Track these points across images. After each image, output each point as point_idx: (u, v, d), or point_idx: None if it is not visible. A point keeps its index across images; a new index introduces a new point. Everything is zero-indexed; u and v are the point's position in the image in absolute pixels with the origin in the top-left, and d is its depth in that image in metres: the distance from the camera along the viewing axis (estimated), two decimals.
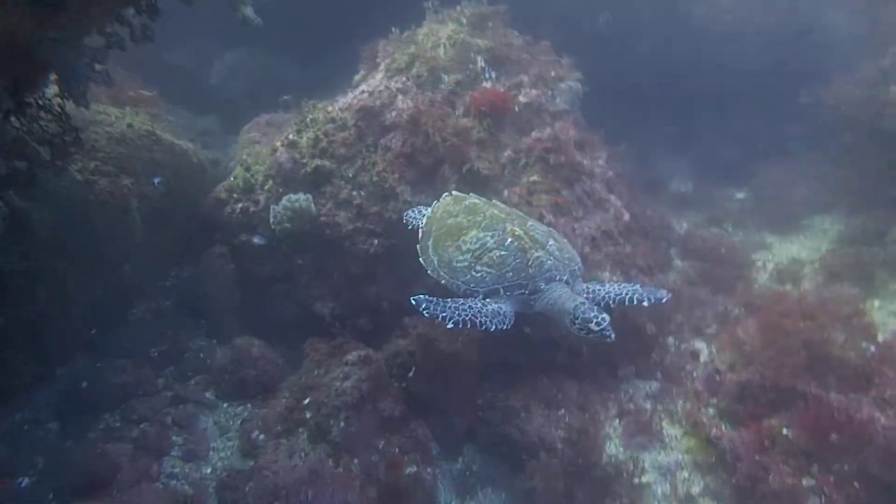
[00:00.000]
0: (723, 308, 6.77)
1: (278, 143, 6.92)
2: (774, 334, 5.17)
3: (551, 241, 5.12)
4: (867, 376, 4.91)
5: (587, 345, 5.68)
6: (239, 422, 5.66)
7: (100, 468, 4.66)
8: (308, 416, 5.28)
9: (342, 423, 5.11)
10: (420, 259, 5.38)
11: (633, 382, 6.05)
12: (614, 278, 6.15)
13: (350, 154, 6.66)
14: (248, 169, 6.94)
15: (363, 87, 7.17)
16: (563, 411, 5.69)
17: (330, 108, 6.96)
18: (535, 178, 6.45)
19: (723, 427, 5.24)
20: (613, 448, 5.52)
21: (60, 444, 4.86)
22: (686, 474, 5.23)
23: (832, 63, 9.07)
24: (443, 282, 5.13)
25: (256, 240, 6.68)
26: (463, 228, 5.22)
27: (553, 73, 7.35)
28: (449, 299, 4.71)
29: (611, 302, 5.05)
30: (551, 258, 4.94)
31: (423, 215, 5.79)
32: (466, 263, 5.01)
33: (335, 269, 6.54)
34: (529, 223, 5.28)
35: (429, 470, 5.20)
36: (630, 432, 5.61)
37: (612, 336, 4.49)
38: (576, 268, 5.14)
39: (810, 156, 9.32)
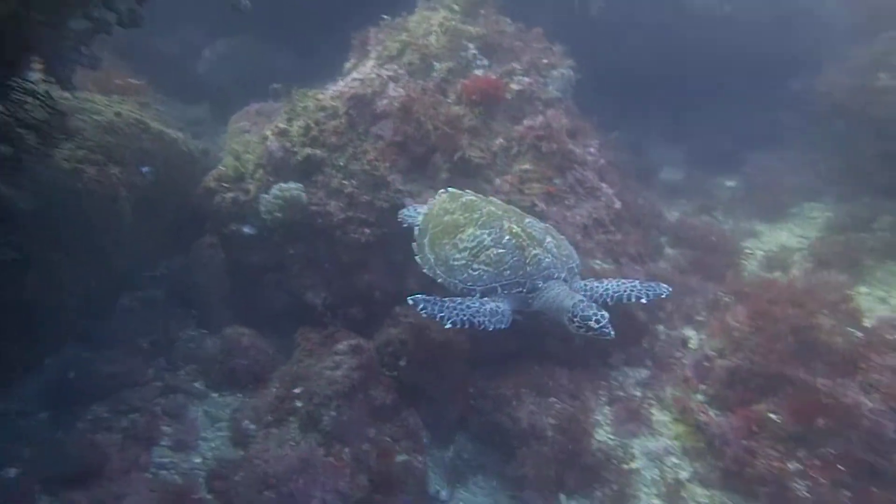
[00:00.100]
0: (713, 296, 6.80)
1: (268, 132, 6.86)
2: (763, 321, 5.20)
3: (549, 238, 5.08)
4: (854, 361, 4.95)
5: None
6: (229, 411, 5.65)
7: (89, 458, 4.64)
8: (299, 405, 5.27)
9: (333, 412, 5.11)
10: (416, 257, 5.34)
11: (623, 370, 6.09)
12: (605, 266, 6.18)
13: (341, 142, 6.62)
14: (237, 158, 6.88)
15: (354, 74, 7.12)
16: (553, 399, 5.72)
17: (321, 97, 6.91)
18: (527, 166, 6.44)
19: (711, 413, 5.28)
20: (603, 435, 5.56)
21: (49, 434, 4.85)
22: (675, 460, 5.27)
23: (824, 51, 9.11)
24: (439, 280, 5.09)
25: (247, 229, 6.64)
26: (460, 226, 5.16)
27: (545, 61, 7.32)
28: (447, 298, 4.67)
29: (608, 300, 5.00)
30: (549, 255, 4.90)
31: (419, 213, 5.74)
32: (463, 261, 4.96)
33: (326, 258, 6.52)
34: (527, 220, 5.25)
35: (420, 458, 5.21)
36: (620, 419, 5.65)
37: (612, 333, 4.47)
38: (573, 265, 5.10)
39: (800, 144, 9.37)
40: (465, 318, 4.51)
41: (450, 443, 5.67)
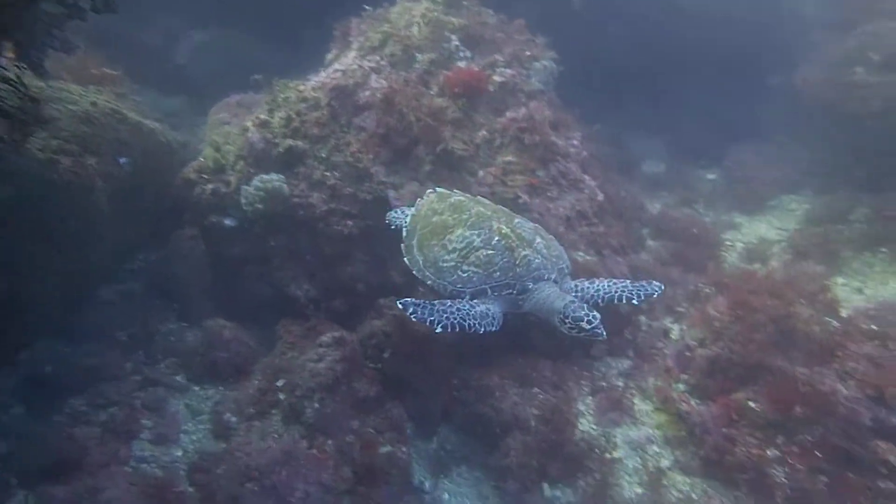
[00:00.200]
0: (694, 287, 6.88)
1: (249, 123, 6.78)
2: (743, 310, 5.26)
3: (538, 239, 5.05)
4: (831, 350, 5.04)
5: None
6: (211, 404, 5.60)
7: (67, 452, 4.56)
8: (282, 397, 5.24)
9: (316, 405, 5.09)
10: (405, 259, 5.28)
11: (605, 361, 6.12)
12: (588, 258, 6.21)
13: (323, 134, 6.56)
14: (218, 149, 6.80)
15: (336, 65, 7.06)
16: (537, 390, 5.75)
17: (302, 88, 6.84)
18: (510, 158, 6.44)
19: (692, 402, 5.34)
20: (586, 425, 5.60)
21: (25, 428, 4.75)
22: (656, 448, 5.33)
23: (803, 45, 9.21)
24: (429, 282, 5.05)
25: (228, 221, 6.56)
26: (448, 227, 5.12)
27: (528, 53, 7.31)
28: (436, 301, 4.64)
29: (599, 300, 4.99)
30: (539, 256, 4.87)
31: (407, 215, 5.69)
32: (453, 263, 4.92)
33: (309, 250, 6.47)
34: (516, 220, 5.21)
35: (404, 449, 5.21)
36: (602, 409, 5.69)
37: (604, 334, 4.46)
38: (564, 266, 5.08)
39: (779, 137, 9.49)
40: (455, 322, 4.47)
41: (434, 434, 5.66)
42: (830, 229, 7.54)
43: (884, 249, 7.06)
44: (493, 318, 4.63)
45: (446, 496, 5.25)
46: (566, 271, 5.10)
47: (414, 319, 4.47)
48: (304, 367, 5.29)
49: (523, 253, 4.82)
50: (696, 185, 9.82)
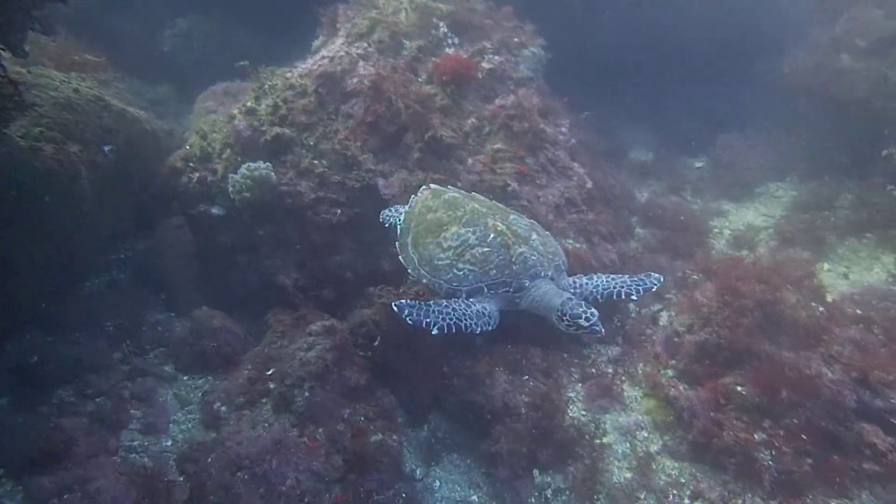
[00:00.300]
0: (682, 274, 6.92)
1: (236, 111, 6.72)
2: (730, 296, 5.30)
3: (534, 235, 5.00)
4: (817, 335, 5.09)
5: None
6: (200, 394, 5.57)
7: (53, 442, 4.52)
8: (272, 386, 5.22)
9: (307, 393, 5.07)
10: (399, 257, 5.23)
11: (595, 347, 6.15)
12: (578, 245, 6.22)
13: (311, 121, 6.51)
14: (204, 137, 6.73)
15: (323, 52, 7.00)
16: (527, 377, 5.77)
17: (289, 75, 6.77)
18: (498, 145, 6.42)
19: (681, 387, 5.38)
20: (576, 411, 5.62)
21: (11, 419, 4.70)
22: (645, 434, 5.36)
23: (789, 32, 9.25)
24: (424, 281, 5.00)
25: (215, 210, 6.51)
26: (443, 224, 5.05)
27: (516, 40, 7.28)
28: (431, 302, 4.59)
29: (598, 297, 4.95)
30: (535, 253, 4.83)
31: (400, 213, 5.62)
32: (448, 261, 4.87)
33: (298, 239, 6.44)
34: (511, 217, 5.16)
35: (394, 437, 5.21)
36: (592, 395, 5.72)
37: (602, 331, 4.43)
38: (560, 262, 5.02)
39: (766, 125, 9.55)
40: (451, 323, 4.43)
41: (424, 422, 5.68)
42: (816, 216, 7.62)
43: (868, 235, 7.14)
44: (490, 317, 4.59)
45: (437, 483, 5.26)
46: (563, 268, 5.05)
47: (409, 322, 4.40)
48: (294, 355, 5.26)
49: (519, 250, 4.77)
50: (684, 172, 9.86)
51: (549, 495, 5.03)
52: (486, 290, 4.76)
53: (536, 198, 6.28)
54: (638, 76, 10.08)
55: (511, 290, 4.75)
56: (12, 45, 3.78)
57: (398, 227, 5.46)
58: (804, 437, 4.63)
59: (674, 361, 5.66)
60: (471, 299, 4.74)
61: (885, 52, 7.71)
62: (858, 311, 5.48)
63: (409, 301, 4.56)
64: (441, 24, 7.07)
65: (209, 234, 6.54)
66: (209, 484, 4.46)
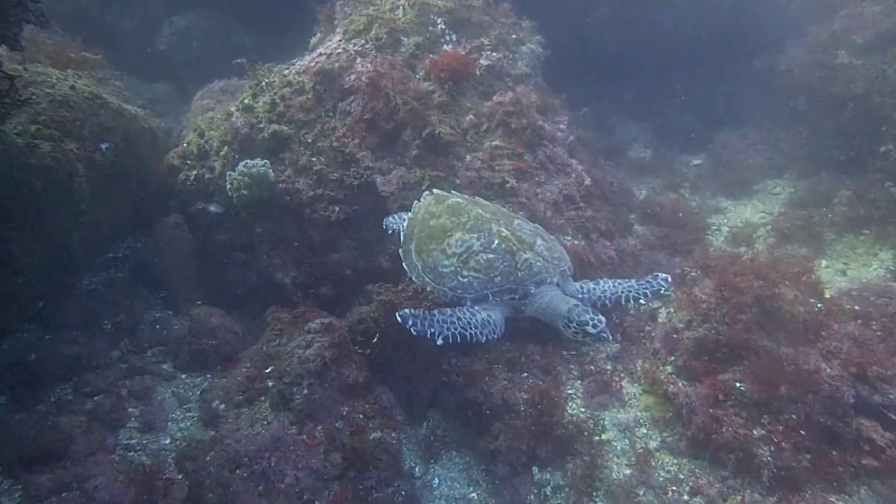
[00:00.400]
0: (680, 270, 6.92)
1: (233, 108, 6.71)
2: (729, 292, 5.29)
3: (539, 241, 4.90)
4: (815, 330, 5.10)
5: None
6: (198, 392, 5.56)
7: (51, 440, 4.51)
8: (270, 384, 5.21)
9: (305, 391, 5.06)
10: (403, 264, 5.15)
11: (594, 344, 6.14)
12: (576, 242, 6.22)
13: (308, 119, 6.51)
14: (201, 135, 6.71)
15: (320, 49, 6.98)
16: (526, 374, 5.77)
17: (286, 72, 6.77)
18: (497, 142, 6.41)
19: (680, 383, 5.38)
20: (575, 408, 5.62)
21: (9, 417, 4.68)
22: (644, 430, 5.36)
23: (787, 29, 9.25)
24: (428, 288, 4.91)
25: (213, 208, 6.50)
26: (447, 230, 4.95)
27: (514, 36, 7.27)
28: (436, 311, 4.51)
29: (607, 301, 4.86)
30: (541, 259, 4.72)
31: (404, 219, 5.54)
32: (452, 268, 4.76)
33: (296, 236, 6.43)
34: (516, 222, 5.06)
35: (393, 435, 5.20)
36: (591, 392, 5.71)
37: (611, 338, 4.36)
38: (565, 267, 4.94)
39: (764, 122, 9.55)
40: (456, 332, 4.35)
41: (423, 420, 5.67)
42: (814, 212, 7.62)
43: (866, 231, 7.15)
44: (495, 326, 4.51)
45: (436, 481, 5.26)
46: (568, 273, 4.96)
47: (414, 333, 4.32)
48: (293, 353, 5.25)
49: (524, 256, 4.67)
50: (682, 169, 9.86)
51: (548, 492, 5.03)
52: (491, 297, 4.66)
53: (535, 195, 6.28)
54: (637, 74, 10.09)
55: (517, 297, 4.66)
56: (8, 38, 3.75)
57: (401, 233, 5.37)
58: (803, 432, 4.63)
59: (673, 358, 5.65)
60: (476, 307, 4.64)
61: (884, 49, 7.70)
62: (856, 307, 5.49)
63: (412, 311, 4.47)
64: (439, 20, 7.06)
65: (207, 231, 6.52)
66: (208, 482, 4.46)
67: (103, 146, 5.79)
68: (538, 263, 4.68)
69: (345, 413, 5.12)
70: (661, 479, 4.92)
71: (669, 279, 4.94)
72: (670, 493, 4.81)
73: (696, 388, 5.19)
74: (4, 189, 4.70)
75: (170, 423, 5.25)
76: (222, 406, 5.21)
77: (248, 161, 6.10)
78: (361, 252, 6.41)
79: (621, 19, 9.75)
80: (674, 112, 10.46)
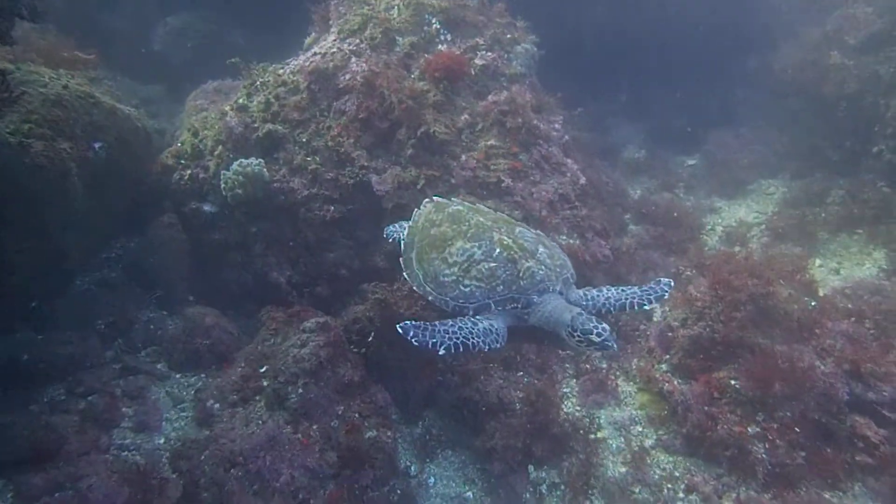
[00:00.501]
0: (675, 270, 6.96)
1: (227, 108, 6.69)
2: (723, 290, 5.32)
3: (541, 248, 4.83)
4: (809, 328, 5.13)
5: None
6: (193, 392, 5.53)
7: (44, 440, 4.46)
8: (265, 383, 5.19)
9: (300, 390, 5.04)
10: (404, 274, 5.10)
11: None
12: (571, 241, 6.23)
13: (303, 118, 6.49)
14: (195, 134, 6.69)
15: (315, 49, 6.97)
16: (521, 373, 5.79)
17: (281, 71, 6.75)
18: (492, 141, 6.42)
19: (675, 381, 5.40)
20: (570, 406, 5.64)
21: (1, 416, 4.64)
22: (640, 428, 5.39)
23: (781, 29, 9.30)
24: (430, 298, 4.85)
25: (207, 207, 6.47)
26: (448, 239, 4.89)
27: (509, 36, 7.27)
28: (437, 322, 4.46)
29: (611, 308, 4.80)
30: (543, 268, 4.65)
31: (404, 227, 5.48)
32: (454, 277, 4.69)
33: (291, 236, 6.41)
34: (517, 229, 5.00)
35: (389, 434, 5.18)
36: (586, 391, 5.74)
37: (615, 346, 4.30)
38: (568, 275, 4.87)
39: (758, 122, 9.60)
40: (458, 342, 4.29)
41: (419, 419, 5.67)
42: (808, 212, 7.67)
43: (859, 231, 7.19)
44: (498, 335, 4.45)
45: (432, 480, 5.25)
46: (571, 280, 4.89)
47: (415, 343, 4.27)
48: (288, 352, 5.24)
49: (526, 265, 4.60)
50: (676, 170, 9.91)
51: (543, 490, 5.04)
52: (493, 306, 4.60)
53: (530, 194, 6.28)
54: (631, 75, 10.13)
55: (519, 305, 4.60)
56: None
57: (402, 242, 5.31)
58: (797, 429, 4.66)
59: (668, 356, 5.68)
60: (477, 316, 4.58)
61: (876, 50, 7.75)
62: (850, 305, 5.52)
63: (413, 322, 4.40)
64: (434, 20, 7.05)
65: (201, 231, 6.50)
66: (203, 481, 4.43)
67: (96, 145, 5.76)
68: (540, 272, 4.62)
69: (340, 412, 5.11)
70: (657, 476, 4.94)
71: (672, 284, 4.86)
72: (665, 490, 4.83)
73: (692, 385, 5.22)
74: None
75: (164, 423, 5.22)
76: (217, 405, 5.19)
77: (243, 160, 6.08)
78: (356, 251, 6.40)
79: (615, 20, 9.78)
80: (668, 113, 10.50)
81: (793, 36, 8.87)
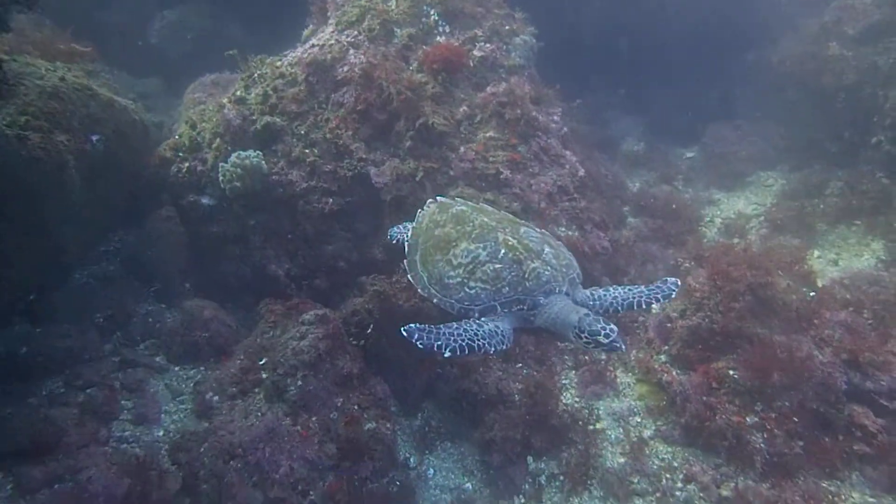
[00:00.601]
0: (674, 262, 6.96)
1: (225, 100, 6.66)
2: (722, 280, 5.32)
3: (546, 248, 4.76)
4: (808, 318, 5.13)
5: None
6: (192, 384, 5.54)
7: (43, 433, 4.46)
8: (264, 376, 5.19)
9: (299, 382, 5.04)
10: (408, 276, 5.04)
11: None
12: (570, 233, 6.22)
13: (301, 110, 6.47)
14: (193, 127, 6.67)
15: (313, 41, 6.94)
16: (520, 365, 5.80)
17: (278, 63, 6.73)
18: (490, 133, 6.40)
19: (674, 372, 5.41)
20: (569, 398, 5.65)
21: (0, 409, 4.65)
22: (638, 419, 5.40)
23: (779, 22, 9.29)
24: (435, 300, 4.79)
25: (205, 200, 6.45)
26: (452, 240, 4.82)
27: (507, 27, 7.24)
28: (442, 325, 4.40)
29: (619, 308, 4.74)
30: (549, 268, 4.57)
31: (408, 229, 5.42)
32: (459, 279, 4.63)
33: (289, 228, 6.40)
34: (522, 229, 4.93)
35: (388, 426, 5.19)
36: (585, 382, 5.75)
37: (623, 347, 4.25)
38: (574, 275, 4.80)
39: (757, 114, 9.59)
40: (463, 344, 4.23)
41: (418, 410, 5.68)
42: (806, 203, 7.68)
43: (858, 222, 7.20)
44: (503, 336, 4.39)
45: (431, 471, 5.27)
46: (577, 281, 4.81)
47: (420, 347, 4.21)
48: (287, 345, 5.23)
49: (532, 265, 4.53)
50: (676, 162, 9.91)
51: (542, 481, 5.05)
52: (499, 308, 4.53)
53: (529, 186, 6.27)
54: (630, 67, 10.08)
55: (525, 307, 4.53)
56: None
57: (406, 243, 5.26)
58: (796, 419, 4.68)
59: (666, 347, 5.69)
60: (483, 318, 4.53)
61: (875, 40, 7.74)
62: (848, 296, 5.53)
63: (418, 325, 4.33)
64: (432, 11, 7.02)
65: (199, 224, 6.48)
66: (202, 473, 4.44)
67: (94, 138, 5.74)
68: (546, 272, 4.54)
69: (339, 404, 5.11)
70: (655, 466, 4.96)
71: (679, 283, 4.77)
72: (664, 480, 4.85)
73: (690, 376, 5.23)
74: None
75: (163, 416, 5.22)
76: (216, 398, 5.19)
77: (241, 152, 6.06)
78: (355, 244, 6.40)
79: (614, 13, 9.76)
80: (667, 106, 10.47)
81: (793, 29, 8.85)
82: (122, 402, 5.20)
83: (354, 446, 4.84)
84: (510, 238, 4.65)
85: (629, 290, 4.79)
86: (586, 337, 4.21)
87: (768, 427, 4.70)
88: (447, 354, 4.17)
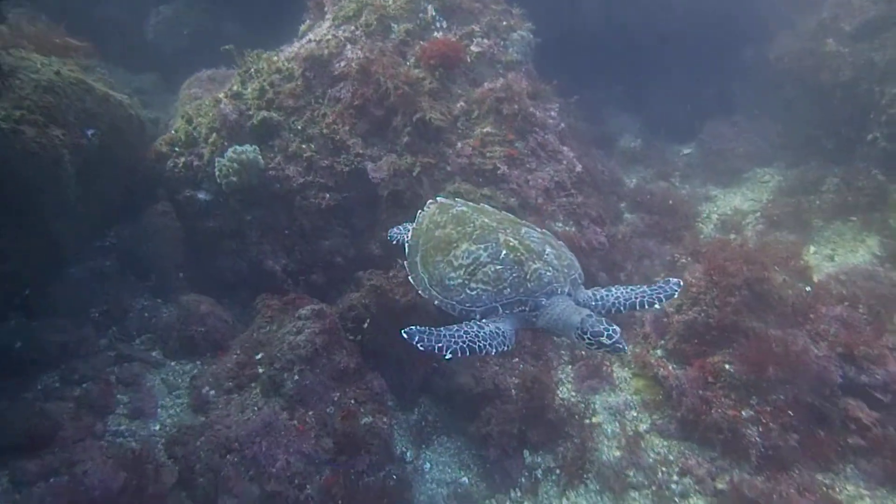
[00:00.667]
0: (671, 257, 6.98)
1: (222, 95, 6.65)
2: (718, 275, 5.34)
3: (548, 249, 4.72)
4: (803, 313, 5.15)
5: None
6: (188, 379, 5.52)
7: (39, 427, 4.44)
8: (261, 370, 5.18)
9: (296, 377, 5.04)
10: (409, 277, 5.01)
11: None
12: (567, 228, 6.23)
13: (298, 105, 6.47)
14: (190, 122, 6.65)
15: (310, 36, 6.94)
16: (517, 359, 5.80)
17: (275, 59, 6.71)
18: (488, 129, 6.41)
19: (670, 366, 5.43)
20: (566, 392, 5.67)
21: None
22: (635, 413, 5.42)
23: (777, 18, 9.30)
24: (436, 302, 4.75)
25: (202, 195, 6.44)
26: (453, 241, 4.79)
27: (505, 23, 7.25)
28: (442, 327, 4.37)
29: (621, 308, 4.70)
30: (550, 269, 4.53)
31: (408, 230, 5.38)
32: (460, 281, 4.59)
33: (286, 224, 6.40)
34: (523, 230, 4.90)
35: (384, 420, 5.19)
36: (581, 376, 5.76)
37: (626, 348, 4.22)
38: (576, 275, 4.76)
39: (753, 111, 9.60)
40: (464, 346, 4.20)
41: (415, 405, 5.69)
42: (802, 199, 7.70)
43: (854, 218, 7.23)
44: (505, 338, 4.36)
45: (428, 466, 5.27)
46: (579, 281, 4.78)
47: (421, 349, 4.19)
48: (284, 340, 5.23)
49: (534, 266, 4.49)
50: (672, 159, 9.92)
51: (539, 475, 5.06)
52: (500, 309, 4.49)
53: (526, 181, 6.28)
54: (627, 64, 10.09)
55: (527, 308, 4.50)
56: None
57: (406, 244, 5.22)
58: (791, 412, 4.69)
59: (663, 341, 5.71)
60: (484, 320, 4.50)
61: (871, 37, 7.76)
62: (844, 291, 5.55)
63: (419, 327, 4.31)
64: (429, 6, 7.02)
65: (196, 219, 6.47)
66: (198, 466, 4.43)
67: (89, 132, 5.71)
68: (548, 273, 4.50)
69: (336, 398, 5.11)
70: (651, 460, 4.97)
71: (681, 283, 4.70)
72: (660, 474, 4.86)
73: (686, 370, 5.25)
74: None
75: (159, 410, 5.21)
76: (212, 392, 5.18)
77: (237, 147, 6.05)
78: (352, 239, 6.40)
79: (611, 10, 9.75)
80: (664, 102, 10.47)
81: (790, 26, 8.87)
82: (118, 396, 5.18)
83: (351, 440, 4.84)
84: (511, 239, 4.62)
85: (631, 290, 4.75)
86: (589, 338, 4.18)
87: (763, 420, 4.72)
88: (448, 356, 4.14)
